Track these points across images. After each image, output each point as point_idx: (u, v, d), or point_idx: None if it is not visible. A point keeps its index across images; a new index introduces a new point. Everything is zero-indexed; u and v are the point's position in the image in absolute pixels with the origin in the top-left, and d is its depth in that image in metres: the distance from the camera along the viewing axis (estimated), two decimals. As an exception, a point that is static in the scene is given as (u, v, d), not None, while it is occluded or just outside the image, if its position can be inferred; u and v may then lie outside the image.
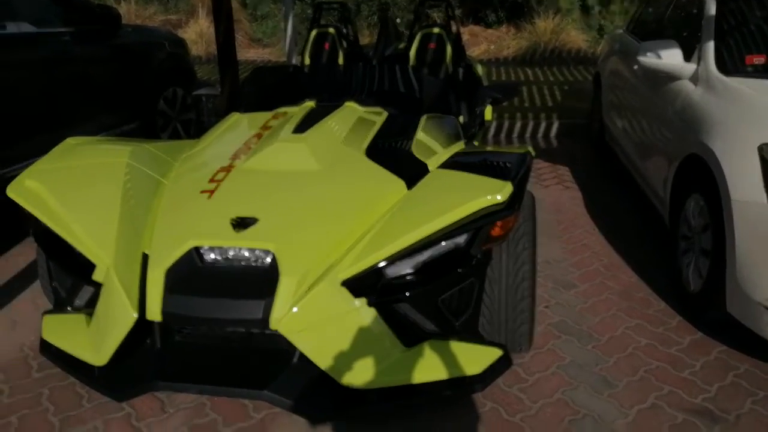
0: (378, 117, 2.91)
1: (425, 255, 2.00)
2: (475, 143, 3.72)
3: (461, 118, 3.68)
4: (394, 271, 1.99)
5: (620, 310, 2.82)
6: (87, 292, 2.27)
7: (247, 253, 2.06)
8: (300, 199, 2.24)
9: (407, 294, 1.99)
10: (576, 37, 8.53)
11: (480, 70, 4.29)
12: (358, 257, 1.98)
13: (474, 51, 9.22)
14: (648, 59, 3.15)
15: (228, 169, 2.45)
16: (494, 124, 5.92)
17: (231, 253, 2.07)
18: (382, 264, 1.97)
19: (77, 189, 2.32)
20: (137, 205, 2.31)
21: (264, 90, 3.32)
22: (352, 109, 2.94)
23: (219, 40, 5.29)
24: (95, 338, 2.11)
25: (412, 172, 2.39)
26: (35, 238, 2.29)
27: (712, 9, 3.15)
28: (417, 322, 2.06)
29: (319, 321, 1.91)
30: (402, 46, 4.48)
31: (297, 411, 1.92)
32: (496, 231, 2.01)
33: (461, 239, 2.00)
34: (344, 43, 4.45)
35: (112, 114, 4.49)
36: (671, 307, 2.82)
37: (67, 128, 4.06)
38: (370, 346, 1.99)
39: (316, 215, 2.16)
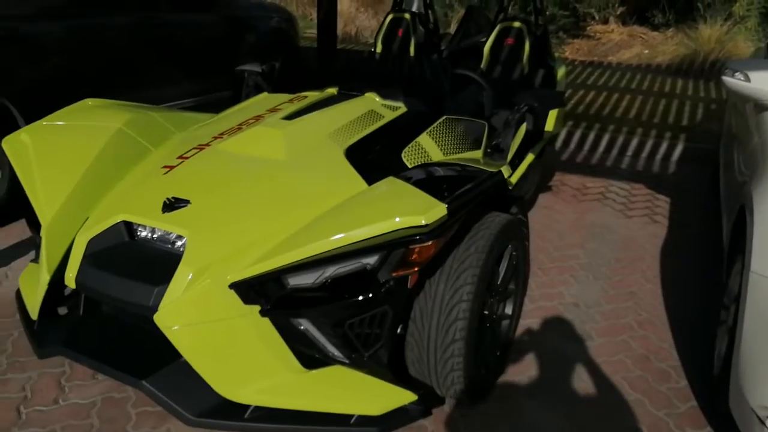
0: (391, 112, 2.67)
1: (330, 270, 1.77)
2: (530, 156, 3.30)
3: (525, 126, 3.30)
4: (295, 282, 1.79)
5: (626, 378, 2.34)
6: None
7: (171, 236, 1.98)
8: (245, 187, 2.10)
9: (306, 309, 1.78)
10: (745, 49, 7.31)
11: (561, 73, 3.80)
12: (258, 260, 1.80)
13: (624, 54, 8.36)
14: (732, 80, 2.55)
15: (202, 147, 2.38)
16: (606, 137, 5.30)
17: (157, 234, 2.01)
18: (280, 271, 1.77)
19: (58, 148, 2.38)
20: (107, 171, 2.31)
21: (301, 72, 3.21)
22: (367, 101, 2.72)
23: (320, 17, 5.28)
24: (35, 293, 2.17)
25: (385, 177, 2.14)
26: (20, 189, 2.40)
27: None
28: (319, 343, 1.84)
29: (200, 321, 1.77)
30: (484, 39, 4.11)
31: (169, 409, 1.81)
32: (414, 257, 1.72)
33: (371, 260, 1.74)
34: (420, 31, 4.19)
35: (202, 81, 4.69)
36: (691, 388, 2.28)
37: (154, 90, 4.33)
38: (257, 360, 1.82)
39: (250, 207, 2.01)
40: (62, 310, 2.21)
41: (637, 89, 6.94)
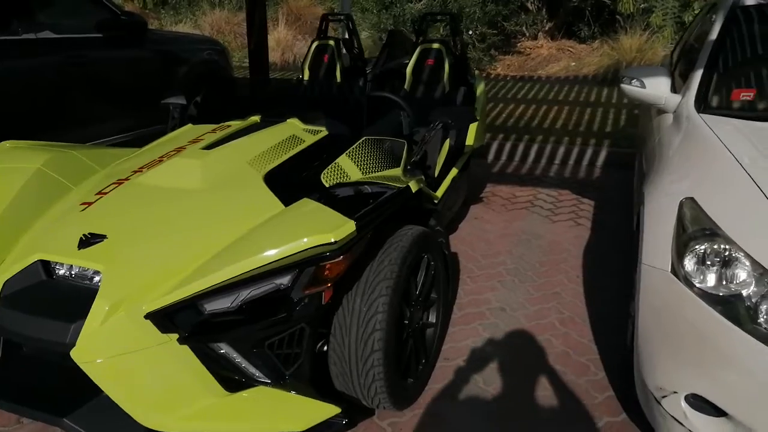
0: (312, 136, 2.74)
1: (244, 293, 1.81)
2: (453, 170, 3.43)
3: (448, 142, 3.43)
4: (211, 307, 1.83)
5: (548, 374, 2.45)
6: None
7: (89, 272, 1.99)
8: (161, 219, 2.13)
9: (224, 333, 1.82)
10: (663, 56, 7.75)
11: (480, 89, 3.96)
12: (173, 288, 1.83)
13: (553, 67, 8.70)
14: (629, 87, 2.73)
15: (121, 182, 2.39)
16: (535, 148, 5.51)
17: (75, 271, 2.02)
18: (195, 297, 1.81)
19: (-26, 192, 2.36)
20: (25, 212, 2.30)
21: (226, 102, 3.26)
22: (289, 126, 2.79)
23: (251, 47, 5.35)
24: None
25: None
26: None
27: (714, 33, 2.67)
28: (240, 366, 1.87)
29: (117, 353, 1.79)
30: (407, 61, 4.26)
31: (92, 446, 1.81)
32: (326, 273, 1.79)
33: (283, 280, 1.79)
34: (345, 56, 4.31)
35: (129, 117, 4.69)
36: (608, 379, 2.40)
37: (81, 128, 4.31)
38: (178, 387, 1.84)
39: (166, 238, 2.04)
40: None
41: (564, 100, 7.24)
